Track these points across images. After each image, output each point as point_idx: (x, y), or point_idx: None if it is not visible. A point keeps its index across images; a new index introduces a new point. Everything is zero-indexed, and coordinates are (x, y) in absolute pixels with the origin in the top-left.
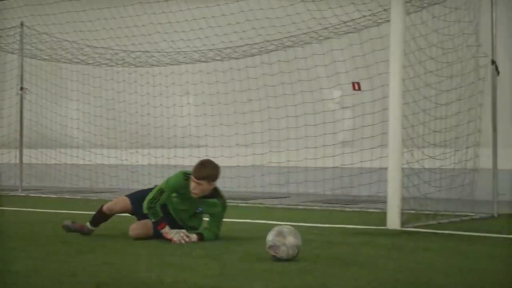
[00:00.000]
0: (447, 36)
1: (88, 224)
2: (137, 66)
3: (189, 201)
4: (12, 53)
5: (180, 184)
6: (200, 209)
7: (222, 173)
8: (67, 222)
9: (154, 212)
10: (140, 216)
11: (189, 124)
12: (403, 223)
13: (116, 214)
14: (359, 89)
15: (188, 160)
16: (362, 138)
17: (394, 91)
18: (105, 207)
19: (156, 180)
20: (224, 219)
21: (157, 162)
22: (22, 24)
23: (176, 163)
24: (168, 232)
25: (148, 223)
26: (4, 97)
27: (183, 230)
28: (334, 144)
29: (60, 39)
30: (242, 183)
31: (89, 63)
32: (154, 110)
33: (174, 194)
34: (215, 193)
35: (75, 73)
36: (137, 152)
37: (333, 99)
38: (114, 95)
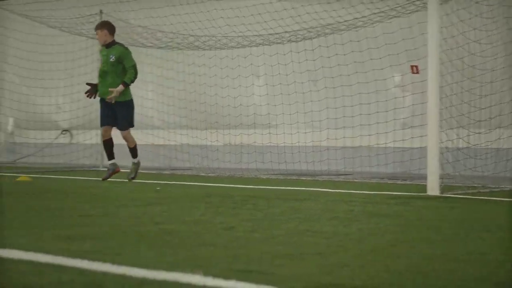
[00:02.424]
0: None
1: (109, 164)
2: (204, 49)
3: (104, 59)
4: (93, 38)
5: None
6: (111, 56)
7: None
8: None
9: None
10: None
11: (260, 105)
12: (442, 191)
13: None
14: (418, 72)
15: (258, 138)
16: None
17: (432, 72)
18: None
19: (228, 158)
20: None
21: (228, 141)
22: (101, 12)
23: (249, 142)
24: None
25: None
26: (86, 80)
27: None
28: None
29: (135, 24)
30: (304, 159)
31: (161, 47)
32: (222, 91)
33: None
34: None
35: (150, 57)
36: (206, 130)
37: (395, 81)
38: (184, 76)
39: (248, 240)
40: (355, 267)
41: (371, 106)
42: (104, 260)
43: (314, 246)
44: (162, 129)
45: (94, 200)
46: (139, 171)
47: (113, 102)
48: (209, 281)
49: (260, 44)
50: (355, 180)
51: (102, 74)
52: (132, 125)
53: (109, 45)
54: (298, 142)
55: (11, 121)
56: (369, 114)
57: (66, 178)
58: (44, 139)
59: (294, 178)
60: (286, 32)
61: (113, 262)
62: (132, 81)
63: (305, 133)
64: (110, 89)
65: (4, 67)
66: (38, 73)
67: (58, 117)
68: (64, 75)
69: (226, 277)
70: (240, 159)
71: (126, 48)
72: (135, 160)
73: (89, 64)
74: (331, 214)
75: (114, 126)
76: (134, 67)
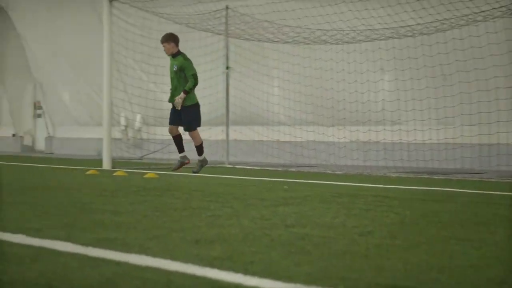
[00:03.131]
0: None
1: (180, 157)
2: (332, 44)
3: (170, 68)
4: (219, 34)
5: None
6: (174, 66)
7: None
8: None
9: None
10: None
11: (389, 100)
12: None
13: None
14: None
15: (387, 134)
16: None
17: None
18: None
19: (356, 155)
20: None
21: (356, 138)
22: (227, 7)
23: (377, 139)
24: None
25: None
26: (212, 76)
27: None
28: None
29: (261, 20)
30: (435, 157)
31: (288, 42)
32: (349, 86)
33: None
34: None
35: (276, 52)
36: (333, 127)
37: None
38: (311, 71)
39: (389, 248)
40: None
41: (509, 101)
42: (236, 270)
43: (463, 257)
44: (288, 126)
45: (221, 199)
46: (204, 167)
47: (179, 108)
48: None
49: (389, 37)
50: (491, 180)
51: (171, 80)
52: (196, 126)
53: (174, 56)
54: (430, 139)
55: (138, 117)
56: (509, 110)
57: (191, 175)
58: (170, 136)
59: (425, 177)
60: (418, 24)
61: (246, 272)
62: (192, 89)
63: (437, 129)
64: (175, 98)
65: (132, 64)
66: (166, 70)
67: None
68: None
69: None
70: (368, 157)
71: (187, 59)
72: (201, 158)
73: (214, 61)
74: (475, 219)
75: (179, 125)
76: (194, 76)
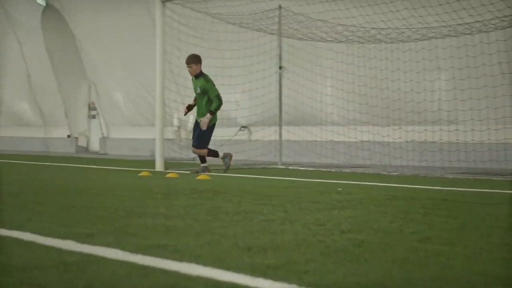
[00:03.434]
0: None
1: (222, 159)
2: (387, 43)
3: (194, 89)
4: (272, 33)
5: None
6: (197, 88)
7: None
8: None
9: None
10: None
11: (445, 100)
12: None
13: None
14: None
15: (444, 135)
16: None
17: None
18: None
19: (411, 156)
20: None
21: (412, 138)
22: (280, 7)
23: (434, 139)
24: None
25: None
26: (265, 76)
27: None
28: None
29: (314, 19)
30: (494, 158)
31: (342, 41)
32: (405, 86)
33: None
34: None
35: (329, 51)
36: (388, 127)
37: None
38: (365, 71)
39: (449, 256)
40: None
41: None
42: (290, 280)
43: None
44: (342, 126)
45: (274, 202)
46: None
47: (204, 128)
48: None
49: (446, 35)
50: None
51: (196, 98)
52: (205, 147)
53: (197, 77)
54: (489, 139)
55: (191, 118)
56: None
57: (244, 177)
58: (223, 136)
59: (484, 178)
60: (476, 21)
61: (300, 282)
62: (217, 109)
63: (496, 129)
64: (201, 119)
65: (184, 65)
66: (218, 70)
67: (237, 114)
68: (243, 72)
69: None
70: (423, 157)
71: (208, 81)
72: (205, 164)
73: (267, 60)
74: None
75: None
76: (217, 96)
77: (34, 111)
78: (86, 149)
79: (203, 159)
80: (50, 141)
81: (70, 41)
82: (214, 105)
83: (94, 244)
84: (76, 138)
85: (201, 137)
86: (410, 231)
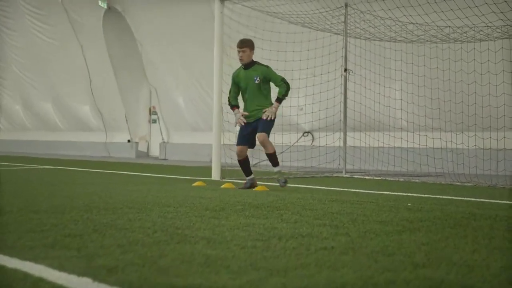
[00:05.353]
0: None
1: (247, 179)
2: (462, 42)
3: (246, 82)
4: (337, 34)
5: (234, 74)
6: (255, 78)
7: None
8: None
9: (228, 103)
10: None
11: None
12: None
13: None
14: None
15: None
16: None
17: None
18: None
19: (487, 165)
20: None
21: (484, 145)
22: (346, 5)
23: (507, 146)
24: (235, 114)
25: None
26: (329, 79)
27: (240, 112)
28: None
29: (383, 17)
30: None
31: (413, 41)
32: (481, 89)
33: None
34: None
35: (398, 52)
36: (462, 133)
37: None
38: (438, 73)
39: None
40: None
41: None
42: None
43: None
44: (411, 132)
45: (336, 222)
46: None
47: (273, 118)
48: None
49: None
50: None
51: (243, 96)
52: (268, 134)
53: (248, 66)
54: None
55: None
56: None
57: (305, 188)
58: (285, 142)
59: None
60: None
61: None
62: (286, 96)
63: None
64: (263, 110)
65: None
66: (280, 73)
67: (300, 119)
68: (306, 75)
69: None
70: (501, 167)
71: (267, 66)
72: (277, 169)
73: (332, 63)
74: None
75: (250, 147)
76: (284, 80)
77: (95, 115)
78: (147, 154)
79: (274, 160)
80: (111, 146)
81: (132, 44)
82: (281, 90)
83: (114, 284)
84: (137, 143)
85: (269, 123)
86: (499, 265)
